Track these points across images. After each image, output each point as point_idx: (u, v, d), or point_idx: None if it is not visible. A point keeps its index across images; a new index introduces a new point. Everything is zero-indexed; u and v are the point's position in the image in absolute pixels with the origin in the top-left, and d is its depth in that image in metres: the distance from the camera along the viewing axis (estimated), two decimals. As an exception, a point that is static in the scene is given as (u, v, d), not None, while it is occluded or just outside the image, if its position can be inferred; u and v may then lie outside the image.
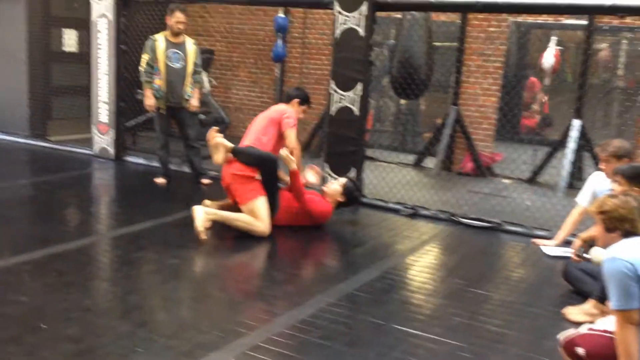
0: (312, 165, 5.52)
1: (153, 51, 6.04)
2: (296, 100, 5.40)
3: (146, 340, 2.99)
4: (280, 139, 5.14)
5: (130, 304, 3.43)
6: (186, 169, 6.72)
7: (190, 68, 6.17)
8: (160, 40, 6.08)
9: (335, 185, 5.27)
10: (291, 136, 5.10)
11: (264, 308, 3.52)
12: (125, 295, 3.54)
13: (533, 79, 9.83)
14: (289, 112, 5.23)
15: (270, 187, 4.88)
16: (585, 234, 3.98)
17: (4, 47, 8.63)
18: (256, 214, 4.76)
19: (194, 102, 6.27)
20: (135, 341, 2.97)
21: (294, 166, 4.91)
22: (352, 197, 5.31)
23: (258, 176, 4.84)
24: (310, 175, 5.35)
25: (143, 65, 6.11)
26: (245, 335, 3.11)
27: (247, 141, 5.06)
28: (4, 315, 3.16)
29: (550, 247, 4.93)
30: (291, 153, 5.03)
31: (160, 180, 6.32)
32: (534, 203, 5.98)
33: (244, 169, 4.83)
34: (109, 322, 3.18)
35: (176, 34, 6.11)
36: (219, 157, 4.91)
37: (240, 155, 4.88)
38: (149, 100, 6.10)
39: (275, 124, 5.13)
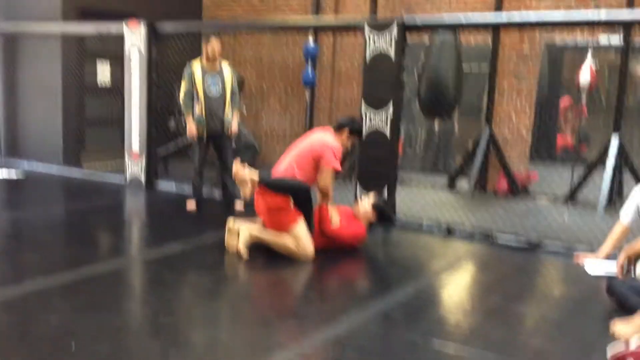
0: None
1: (191, 79, 6.08)
2: (347, 130, 5.11)
3: (178, 359, 2.92)
4: (315, 170, 4.94)
5: (161, 324, 3.37)
6: (217, 195, 6.71)
7: (228, 94, 6.21)
8: (197, 67, 6.11)
9: (365, 205, 5.16)
10: (327, 175, 4.89)
11: (297, 326, 3.42)
12: (157, 316, 3.49)
13: (564, 98, 9.68)
14: (334, 147, 4.94)
15: (306, 213, 4.78)
16: (630, 249, 3.82)
17: (41, 81, 8.86)
18: (299, 239, 4.68)
19: (234, 127, 6.30)
20: None
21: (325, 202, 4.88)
22: (384, 215, 5.20)
23: (291, 204, 4.75)
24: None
25: (182, 94, 6.14)
26: (279, 354, 3.02)
27: (281, 167, 4.94)
28: (35, 336, 3.13)
29: (592, 265, 4.74)
30: (321, 191, 4.96)
31: (191, 206, 6.32)
32: (574, 221, 5.80)
33: (276, 199, 4.72)
34: (140, 342, 3.13)
35: (212, 60, 6.16)
36: (247, 190, 4.80)
37: (270, 187, 4.76)
38: (191, 129, 6.12)
39: (314, 157, 4.89)
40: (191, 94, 6.09)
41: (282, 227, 4.72)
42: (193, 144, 6.33)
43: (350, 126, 5.14)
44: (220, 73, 6.19)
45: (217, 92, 6.14)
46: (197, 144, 6.25)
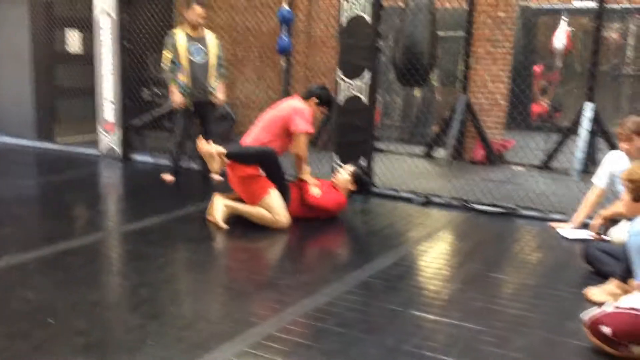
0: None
1: (174, 47, 5.93)
2: (314, 99, 5.04)
3: (157, 333, 2.91)
4: (286, 137, 4.90)
5: (140, 297, 3.34)
6: (195, 165, 6.63)
7: (213, 61, 6.08)
8: (180, 35, 5.97)
9: (344, 174, 5.17)
10: (299, 141, 4.85)
11: (277, 298, 3.42)
12: (135, 289, 3.46)
13: (536, 67, 9.71)
14: (303, 110, 4.88)
15: (277, 178, 4.76)
16: (605, 212, 3.88)
17: (8, 49, 8.60)
18: (272, 208, 4.66)
19: (221, 96, 6.19)
20: (146, 334, 2.88)
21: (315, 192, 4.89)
22: (363, 183, 5.20)
23: (261, 172, 4.72)
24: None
25: (166, 63, 6.00)
26: (259, 324, 3.02)
27: (249, 139, 4.88)
28: (13, 311, 3.08)
29: (567, 230, 4.82)
30: (297, 158, 4.92)
31: (168, 177, 6.24)
32: (549, 188, 5.86)
33: (245, 169, 4.69)
34: (118, 316, 3.10)
35: (195, 27, 6.01)
36: (215, 165, 4.72)
37: (235, 157, 4.71)
38: (176, 97, 5.99)
39: (282, 121, 4.85)
40: (174, 63, 5.96)
41: (254, 197, 4.70)
42: (176, 114, 6.21)
43: (319, 94, 5.06)
44: (204, 40, 6.05)
45: (202, 59, 6.02)
46: (181, 114, 6.14)
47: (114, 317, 3.08)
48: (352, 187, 5.15)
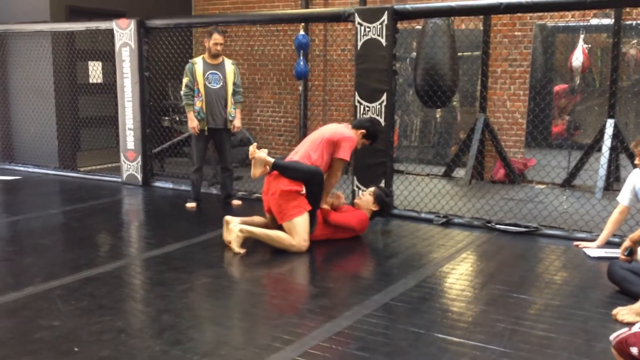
0: (337, 193, 5.42)
1: (192, 74, 6.07)
2: (362, 131, 5.11)
3: (180, 359, 2.91)
4: (329, 160, 4.96)
5: (163, 323, 3.36)
6: (214, 190, 6.69)
7: (230, 88, 6.19)
8: (199, 62, 6.11)
9: (366, 195, 5.20)
10: (339, 167, 4.93)
11: (300, 322, 3.42)
12: (159, 316, 3.47)
13: (557, 87, 9.65)
14: (351, 138, 4.95)
15: (315, 201, 4.80)
16: (635, 235, 3.82)
17: (32, 82, 8.81)
18: (295, 231, 4.69)
19: (237, 123, 6.29)
20: (169, 360, 2.90)
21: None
22: (385, 203, 5.22)
23: (303, 191, 4.74)
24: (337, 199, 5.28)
25: (183, 89, 6.14)
26: (282, 350, 3.01)
27: (296, 156, 4.92)
28: (38, 340, 3.11)
29: (593, 249, 4.76)
30: (327, 182, 4.98)
31: (191, 205, 6.30)
32: (572, 206, 5.80)
33: (290, 184, 4.71)
34: (142, 343, 3.11)
35: (214, 55, 6.13)
36: (257, 171, 4.78)
37: (283, 169, 4.75)
38: (192, 123, 6.10)
39: (331, 145, 4.90)
40: (192, 89, 6.06)
41: (285, 215, 4.71)
42: (193, 140, 6.30)
43: (368, 127, 5.14)
44: (222, 68, 6.17)
45: (219, 86, 6.12)
46: (197, 140, 6.22)
47: (138, 344, 3.09)
48: (374, 207, 5.17)
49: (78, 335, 3.17)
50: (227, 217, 4.84)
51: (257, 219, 5.06)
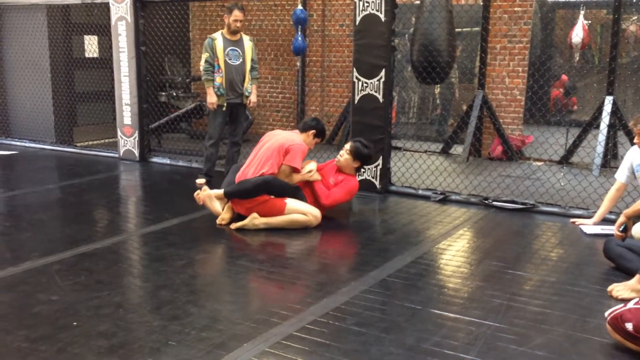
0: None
1: (212, 50, 6.06)
2: (312, 132, 5.13)
3: (179, 333, 2.93)
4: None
5: (161, 298, 3.37)
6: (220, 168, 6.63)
7: (248, 65, 6.22)
8: (219, 38, 6.11)
9: (345, 154, 5.16)
10: (284, 172, 4.89)
11: (297, 298, 3.44)
12: (156, 291, 3.49)
13: (555, 92, 9.70)
14: (302, 147, 4.94)
15: (286, 194, 4.80)
16: (629, 210, 3.83)
17: (27, 56, 8.74)
18: (300, 209, 4.74)
19: (253, 99, 6.33)
20: (167, 335, 2.91)
21: (315, 178, 4.97)
22: (363, 156, 5.18)
23: (269, 196, 4.74)
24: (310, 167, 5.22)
25: (202, 64, 6.13)
26: (279, 325, 3.04)
27: (251, 170, 4.87)
28: (36, 315, 3.13)
29: (589, 226, 4.78)
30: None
31: (201, 181, 6.26)
32: (569, 183, 5.80)
33: (253, 201, 4.73)
34: (140, 318, 3.13)
35: (234, 32, 6.12)
36: (216, 206, 4.80)
37: (235, 196, 4.77)
38: (211, 98, 6.11)
39: (280, 154, 4.88)
40: (212, 65, 6.05)
41: (275, 211, 4.73)
42: (210, 115, 6.31)
43: (314, 126, 5.15)
44: (241, 44, 6.18)
45: (238, 63, 6.14)
46: (215, 115, 6.22)
47: (136, 319, 3.11)
48: (355, 164, 5.18)
49: (76, 310, 3.19)
50: (210, 191, 4.83)
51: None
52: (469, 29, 8.54)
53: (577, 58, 8.20)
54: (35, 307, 3.22)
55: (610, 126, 6.86)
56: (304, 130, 5.17)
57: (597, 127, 6.93)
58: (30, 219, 5.05)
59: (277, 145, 4.91)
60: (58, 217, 5.31)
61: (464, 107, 8.34)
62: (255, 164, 4.90)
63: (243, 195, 4.74)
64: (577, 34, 7.24)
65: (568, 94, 9.82)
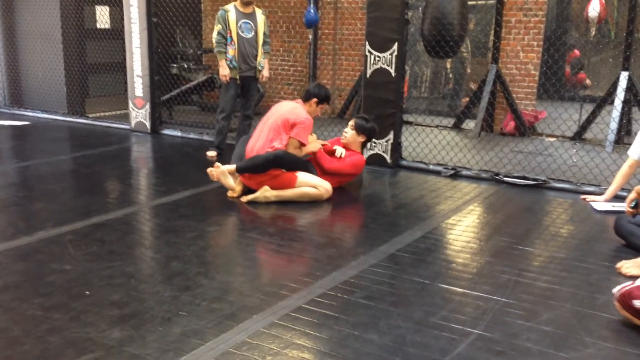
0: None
1: (225, 22, 6.03)
2: (315, 100, 5.09)
3: (189, 304, 2.97)
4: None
5: (172, 269, 3.41)
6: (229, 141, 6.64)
7: (260, 39, 6.21)
8: (232, 11, 6.07)
9: (349, 130, 5.18)
10: (293, 145, 4.89)
11: (306, 271, 3.47)
12: (168, 262, 3.53)
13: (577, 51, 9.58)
14: (307, 121, 4.91)
15: (298, 168, 4.82)
16: (640, 187, 3.81)
17: (39, 27, 8.73)
18: (311, 182, 4.77)
19: (265, 73, 6.34)
20: (178, 305, 2.95)
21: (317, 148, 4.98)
22: (368, 130, 5.21)
23: (281, 171, 4.76)
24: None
25: (215, 37, 6.10)
26: (288, 297, 3.07)
27: (259, 144, 4.88)
28: (49, 284, 3.18)
29: (600, 203, 4.76)
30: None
31: (211, 154, 6.30)
32: (582, 159, 5.77)
33: (265, 175, 4.74)
34: (152, 288, 3.17)
35: (246, 3, 6.10)
36: (230, 182, 4.84)
37: (248, 170, 4.78)
38: (224, 71, 6.11)
39: (288, 127, 4.88)
40: (224, 37, 6.03)
41: (285, 184, 4.76)
42: (222, 88, 6.31)
43: (317, 93, 5.10)
44: (253, 17, 6.15)
45: (251, 36, 6.12)
46: (228, 88, 6.22)
47: (148, 289, 3.15)
48: (361, 139, 5.19)
49: (89, 280, 3.24)
50: (223, 167, 4.85)
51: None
52: (483, 1, 8.43)
53: (593, 32, 8.06)
54: (49, 276, 3.27)
55: (625, 102, 6.79)
56: (306, 99, 5.13)
57: (612, 102, 6.86)
58: (44, 189, 5.10)
59: (282, 120, 4.90)
60: (71, 187, 5.36)
61: (471, 84, 8.27)
62: (263, 138, 4.90)
63: (255, 169, 4.75)
64: (594, 8, 7.12)
65: (574, 70, 9.72)
